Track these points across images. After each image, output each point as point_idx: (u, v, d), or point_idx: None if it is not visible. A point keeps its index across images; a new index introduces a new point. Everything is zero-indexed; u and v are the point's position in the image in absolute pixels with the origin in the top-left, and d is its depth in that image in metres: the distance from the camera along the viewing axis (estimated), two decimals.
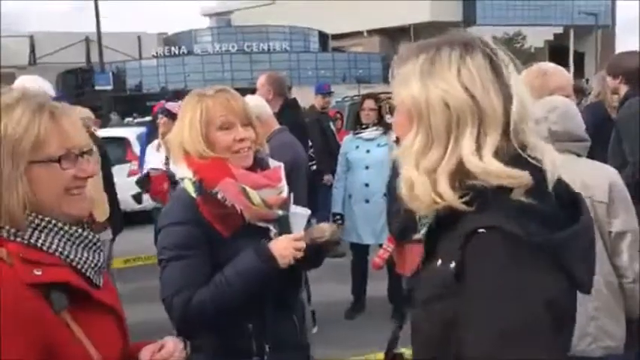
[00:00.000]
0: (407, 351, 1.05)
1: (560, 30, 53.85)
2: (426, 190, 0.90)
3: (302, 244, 1.55)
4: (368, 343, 3.68)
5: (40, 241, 0.99)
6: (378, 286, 4.22)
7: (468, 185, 0.88)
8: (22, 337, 0.92)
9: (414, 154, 0.92)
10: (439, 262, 0.89)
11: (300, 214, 1.70)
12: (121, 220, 4.01)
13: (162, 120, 4.06)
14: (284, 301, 1.63)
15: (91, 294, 1.03)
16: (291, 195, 1.71)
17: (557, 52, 46.95)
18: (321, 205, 4.76)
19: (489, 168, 0.86)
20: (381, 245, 3.51)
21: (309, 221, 1.74)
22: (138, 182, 3.80)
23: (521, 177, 0.86)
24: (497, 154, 0.88)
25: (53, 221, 1.01)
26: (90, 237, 1.07)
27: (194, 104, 1.58)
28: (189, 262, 1.51)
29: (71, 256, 1.02)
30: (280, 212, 1.63)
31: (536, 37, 47.84)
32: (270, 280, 1.53)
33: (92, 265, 1.05)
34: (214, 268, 1.53)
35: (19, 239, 0.98)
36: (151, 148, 4.36)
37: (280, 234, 1.61)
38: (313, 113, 5.77)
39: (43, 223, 1.00)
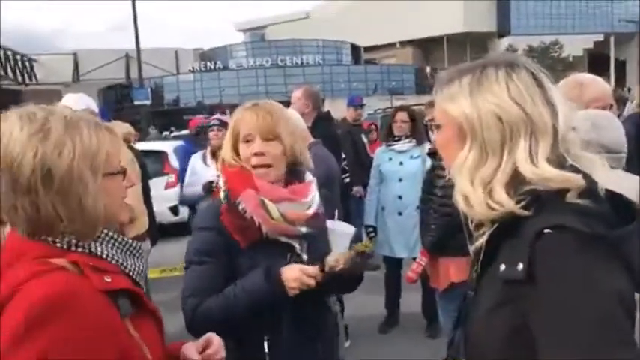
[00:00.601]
0: None
1: (600, 38, 52.49)
2: (483, 201, 0.93)
3: (311, 282, 1.48)
4: (402, 358, 3.63)
5: (99, 249, 1.04)
6: (411, 300, 4.16)
7: (527, 191, 0.91)
8: (105, 342, 0.94)
9: (467, 169, 0.97)
10: (502, 266, 0.90)
11: (342, 231, 1.63)
12: (157, 231, 4.12)
13: (220, 132, 4.03)
14: (305, 320, 1.56)
15: (144, 299, 1.06)
16: (336, 212, 1.66)
17: (596, 60, 45.75)
18: (353, 217, 4.75)
19: (545, 174, 0.90)
20: (414, 259, 3.48)
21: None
22: (204, 187, 3.90)
23: (576, 180, 0.89)
24: (549, 162, 0.92)
25: (105, 230, 1.06)
26: (134, 244, 1.11)
27: (234, 116, 1.65)
28: (207, 268, 1.53)
29: (125, 264, 1.07)
30: (304, 229, 1.56)
31: (574, 46, 46.74)
32: (280, 302, 1.49)
33: (139, 272, 1.10)
34: (231, 277, 1.52)
35: (80, 249, 1.01)
36: (196, 159, 4.31)
37: (309, 252, 1.58)
38: (345, 125, 5.78)
39: (97, 233, 1.04)
